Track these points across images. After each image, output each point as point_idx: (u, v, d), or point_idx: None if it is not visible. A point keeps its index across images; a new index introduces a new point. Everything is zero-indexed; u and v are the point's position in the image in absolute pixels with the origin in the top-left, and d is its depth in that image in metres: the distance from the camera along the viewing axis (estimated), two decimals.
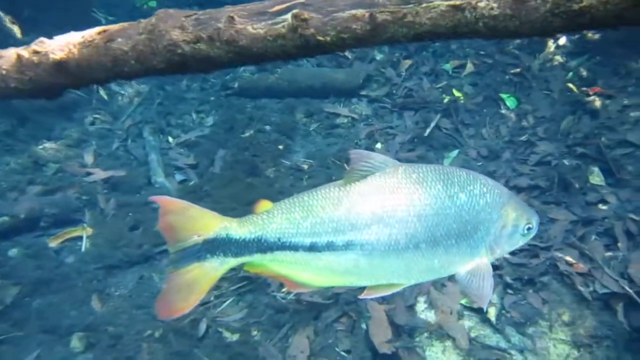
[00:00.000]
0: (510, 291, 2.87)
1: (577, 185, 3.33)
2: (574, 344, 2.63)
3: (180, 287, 1.42)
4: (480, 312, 2.82)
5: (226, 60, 1.70)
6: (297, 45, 1.62)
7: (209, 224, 1.44)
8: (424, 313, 2.91)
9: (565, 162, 3.51)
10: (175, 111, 5.11)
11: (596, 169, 3.37)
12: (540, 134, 3.85)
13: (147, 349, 3.03)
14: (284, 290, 3.31)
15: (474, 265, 1.51)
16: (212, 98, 5.22)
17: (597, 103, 3.67)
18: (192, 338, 3.09)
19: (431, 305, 2.93)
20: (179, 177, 4.40)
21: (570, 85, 3.88)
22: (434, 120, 4.26)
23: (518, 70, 4.26)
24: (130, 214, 3.95)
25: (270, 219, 1.44)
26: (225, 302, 3.26)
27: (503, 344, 2.69)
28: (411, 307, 2.96)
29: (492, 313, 2.78)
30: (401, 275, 1.49)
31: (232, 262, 1.44)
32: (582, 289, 2.72)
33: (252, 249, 1.43)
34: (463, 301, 2.87)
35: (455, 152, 4.05)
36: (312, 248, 1.42)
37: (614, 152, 3.38)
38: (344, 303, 3.09)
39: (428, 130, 4.20)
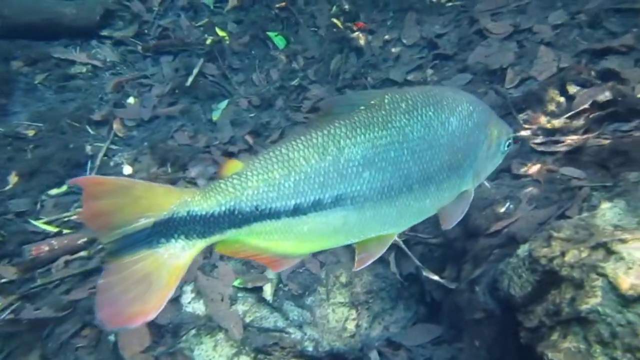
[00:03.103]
0: None
1: None
2: (352, 304, 2.45)
3: (130, 282, 1.07)
4: (256, 292, 2.44)
5: None
6: None
7: (162, 201, 1.11)
8: (191, 305, 2.40)
9: None
10: None
11: None
12: (311, 77, 3.55)
13: None
14: None
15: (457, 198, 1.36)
16: None
17: (362, 39, 3.49)
18: None
19: (199, 294, 2.42)
20: None
21: (335, 20, 3.62)
22: (196, 66, 3.60)
23: (283, 4, 3.83)
24: None
25: (244, 184, 1.14)
26: None
27: (281, 323, 2.36)
28: (175, 300, 2.41)
29: (268, 291, 2.41)
30: (392, 224, 1.28)
31: (200, 244, 1.13)
32: None
33: (223, 224, 1.13)
34: (236, 282, 2.44)
35: (225, 102, 3.50)
36: (296, 211, 1.17)
37: None
38: (85, 312, 2.37)
39: (191, 79, 3.54)
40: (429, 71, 3.25)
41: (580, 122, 2.29)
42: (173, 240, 1.10)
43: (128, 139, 3.29)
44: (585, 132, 2.24)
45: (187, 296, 2.43)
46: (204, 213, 1.12)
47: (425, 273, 2.25)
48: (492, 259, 2.09)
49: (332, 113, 1.22)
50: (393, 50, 3.42)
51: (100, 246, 2.61)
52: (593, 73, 2.48)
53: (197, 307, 2.38)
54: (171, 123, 3.36)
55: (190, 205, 1.11)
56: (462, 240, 2.25)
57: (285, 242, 1.20)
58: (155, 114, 3.39)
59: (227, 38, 3.75)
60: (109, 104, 3.43)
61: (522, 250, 1.88)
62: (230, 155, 3.16)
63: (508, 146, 1.46)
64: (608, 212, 1.78)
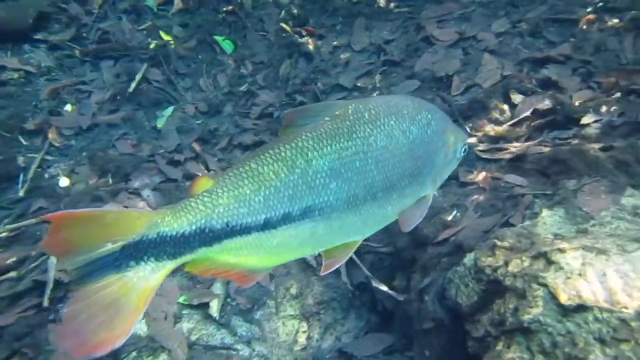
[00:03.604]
0: None
1: None
2: (303, 316, 2.40)
3: (97, 308, 1.02)
4: (202, 308, 2.34)
5: None
6: None
7: (132, 224, 1.07)
8: None
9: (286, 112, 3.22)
10: None
11: None
12: (260, 82, 3.47)
13: None
14: None
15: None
16: None
17: (311, 44, 3.45)
18: None
19: None
20: None
21: (284, 25, 3.56)
22: (140, 71, 3.44)
23: (230, 7, 3.73)
24: None
25: (215, 201, 1.14)
26: None
27: (229, 340, 2.28)
28: None
29: (215, 307, 2.32)
30: (357, 232, 1.31)
31: (170, 265, 1.10)
32: (309, 257, 2.48)
33: (194, 243, 1.11)
34: (181, 299, 2.33)
35: (170, 109, 3.37)
36: (266, 225, 1.17)
37: (329, 98, 3.23)
38: (13, 338, 2.19)
39: (133, 85, 3.38)
40: (378, 77, 3.24)
41: (522, 129, 2.33)
42: (143, 263, 1.08)
43: (65, 149, 3.10)
44: (527, 140, 2.28)
45: None
46: (174, 233, 1.10)
47: (374, 283, 2.22)
48: (440, 268, 2.10)
49: (295, 125, 1.23)
50: (342, 55, 3.40)
51: (32, 265, 2.43)
52: (534, 81, 2.54)
53: (139, 327, 2.25)
54: (112, 131, 3.19)
55: (160, 226, 1.10)
56: (411, 249, 2.24)
57: (254, 256, 1.20)
58: (95, 122, 3.21)
59: (172, 42, 3.62)
60: (44, 111, 3.22)
61: (468, 259, 1.89)
62: (177, 164, 3.04)
63: (464, 152, 1.50)
64: (549, 220, 1.81)
